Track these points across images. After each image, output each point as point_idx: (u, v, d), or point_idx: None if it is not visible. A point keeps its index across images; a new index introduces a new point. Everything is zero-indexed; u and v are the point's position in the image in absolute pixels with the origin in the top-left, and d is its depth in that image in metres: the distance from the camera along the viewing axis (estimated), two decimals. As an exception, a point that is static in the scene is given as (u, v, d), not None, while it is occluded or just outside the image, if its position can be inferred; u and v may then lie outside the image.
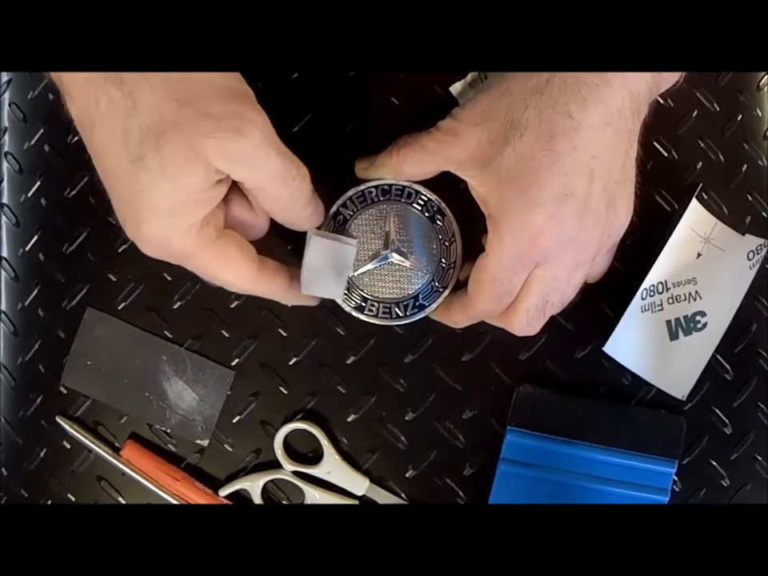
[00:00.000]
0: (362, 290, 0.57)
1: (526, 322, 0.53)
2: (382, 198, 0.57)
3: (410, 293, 0.57)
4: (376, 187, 0.57)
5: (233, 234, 0.50)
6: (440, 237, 0.57)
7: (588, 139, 0.48)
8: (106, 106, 0.45)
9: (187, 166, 0.45)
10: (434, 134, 0.52)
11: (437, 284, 0.57)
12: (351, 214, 0.57)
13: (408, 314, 0.57)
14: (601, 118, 0.48)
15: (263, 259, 0.52)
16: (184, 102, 0.45)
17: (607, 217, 0.50)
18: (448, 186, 0.55)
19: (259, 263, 0.51)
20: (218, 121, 0.45)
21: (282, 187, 0.48)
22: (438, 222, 0.57)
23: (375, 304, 0.57)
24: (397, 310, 0.57)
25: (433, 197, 0.57)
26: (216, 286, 0.51)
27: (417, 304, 0.57)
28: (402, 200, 0.57)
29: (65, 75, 0.46)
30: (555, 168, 0.48)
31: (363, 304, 0.57)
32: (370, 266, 0.57)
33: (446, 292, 0.57)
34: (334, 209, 0.57)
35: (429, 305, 0.57)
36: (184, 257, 0.49)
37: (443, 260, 0.57)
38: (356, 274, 0.56)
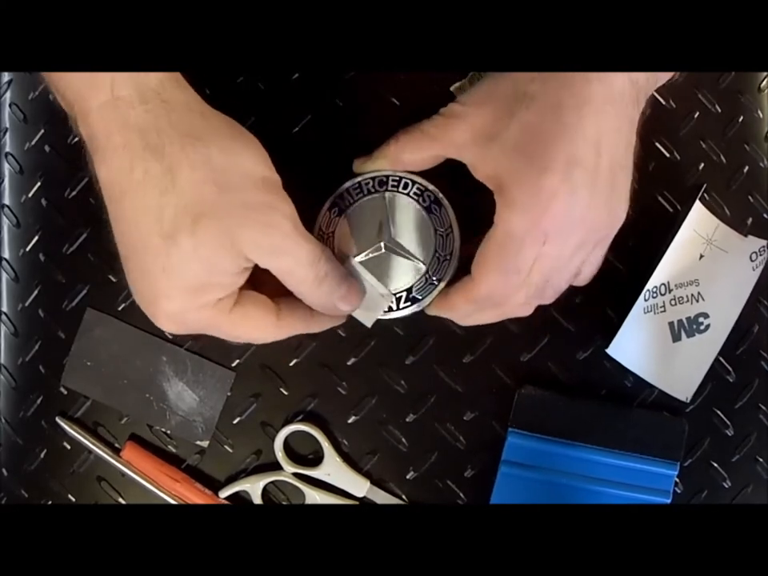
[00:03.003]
0: None
1: (523, 300, 0.52)
2: (378, 189, 0.56)
3: (403, 286, 0.55)
4: (373, 179, 0.56)
5: (248, 295, 0.50)
6: (436, 228, 0.55)
7: (593, 114, 0.47)
8: (141, 176, 0.45)
9: (221, 251, 0.46)
10: (435, 119, 0.52)
11: (432, 276, 0.55)
12: (347, 205, 0.56)
13: (401, 307, 0.55)
14: (604, 97, 0.47)
15: (279, 303, 0.51)
16: (223, 188, 0.46)
17: (611, 200, 0.49)
18: (447, 177, 0.54)
19: (277, 312, 0.51)
20: (252, 211, 0.46)
21: (309, 270, 0.49)
22: (435, 212, 0.55)
23: None
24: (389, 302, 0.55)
25: (430, 187, 0.55)
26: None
27: (410, 297, 0.55)
28: (399, 190, 0.56)
29: (99, 133, 0.45)
30: (563, 136, 0.47)
31: None
32: (361, 257, 0.55)
33: (442, 285, 0.55)
34: (329, 202, 0.56)
35: (422, 298, 0.55)
36: (201, 328, 0.49)
37: (439, 251, 0.55)
38: (352, 262, 0.54)
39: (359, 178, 0.56)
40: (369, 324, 0.54)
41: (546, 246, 0.49)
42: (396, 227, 0.56)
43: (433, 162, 0.54)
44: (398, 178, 0.55)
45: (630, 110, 0.49)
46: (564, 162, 0.47)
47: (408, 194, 0.56)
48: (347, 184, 0.56)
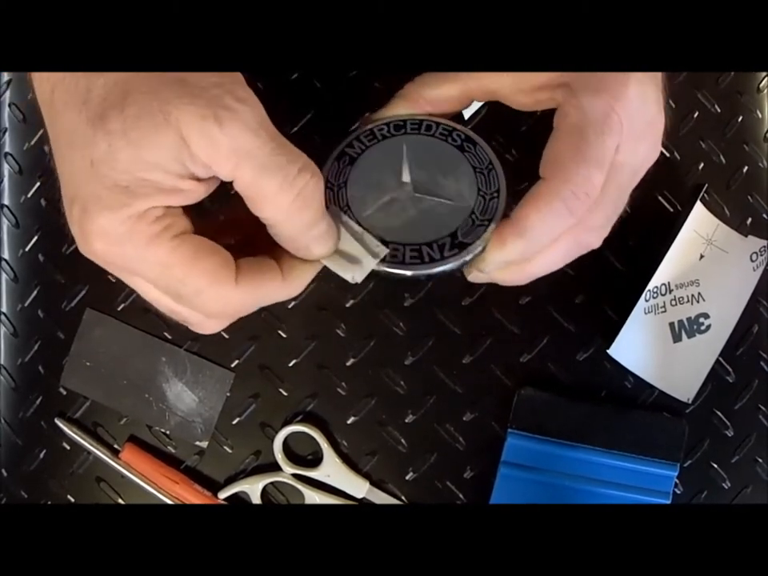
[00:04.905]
0: (380, 234, 0.44)
1: (601, 221, 0.44)
2: (395, 133, 0.47)
3: (445, 231, 0.44)
4: (387, 124, 0.47)
5: (200, 239, 0.40)
6: (473, 166, 0.46)
7: None
8: None
9: (154, 133, 0.37)
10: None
11: (479, 217, 0.44)
12: (358, 152, 0.47)
13: (446, 255, 0.43)
14: None
15: (240, 263, 0.42)
16: None
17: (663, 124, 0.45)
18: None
19: (236, 270, 0.41)
20: (196, 87, 0.37)
21: (284, 185, 0.39)
22: (469, 149, 0.46)
23: (399, 247, 0.44)
24: (430, 251, 0.44)
25: (458, 126, 0.47)
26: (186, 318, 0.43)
27: (456, 243, 0.44)
28: (420, 133, 0.47)
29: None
30: None
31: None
32: (383, 203, 0.45)
33: (493, 225, 0.44)
34: (337, 151, 0.47)
35: (472, 242, 0.43)
36: (136, 256, 0.39)
37: (483, 189, 0.45)
38: (368, 213, 0.45)
39: (371, 125, 0.48)
40: (359, 278, 0.43)
41: (618, 155, 0.43)
42: (424, 167, 0.46)
43: (460, 103, 0.47)
44: (417, 122, 0.47)
45: None
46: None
47: (433, 135, 0.47)
48: (356, 132, 0.48)
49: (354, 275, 0.43)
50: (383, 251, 0.43)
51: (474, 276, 0.46)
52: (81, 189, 0.39)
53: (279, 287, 0.43)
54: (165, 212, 0.39)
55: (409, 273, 0.44)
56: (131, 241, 0.39)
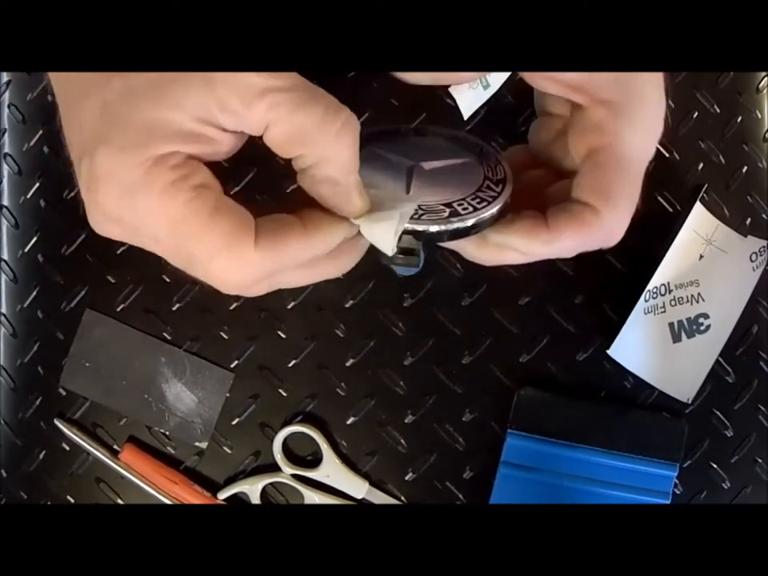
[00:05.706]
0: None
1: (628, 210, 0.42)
2: (366, 144, 0.43)
3: (474, 186, 0.43)
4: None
5: (221, 194, 0.36)
6: (466, 148, 0.46)
7: None
8: None
9: (175, 76, 0.35)
10: None
11: (495, 175, 0.44)
12: None
13: (487, 198, 0.43)
14: None
15: (258, 223, 0.37)
16: None
17: None
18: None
19: (256, 231, 0.36)
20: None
21: (324, 115, 0.35)
22: (452, 139, 0.47)
23: (443, 207, 0.42)
24: (471, 202, 0.43)
25: (433, 127, 0.47)
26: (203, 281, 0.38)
27: (491, 189, 0.44)
28: (389, 138, 0.46)
29: None
30: None
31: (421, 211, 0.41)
32: (400, 181, 0.43)
33: (508, 170, 0.44)
34: None
35: (501, 190, 0.43)
36: (145, 209, 0.35)
37: (484, 161, 0.45)
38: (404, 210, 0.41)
39: None
40: (390, 246, 0.40)
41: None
42: (418, 153, 0.45)
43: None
44: (376, 132, 0.46)
45: None
46: None
47: (406, 136, 0.47)
48: None
49: (391, 234, 0.40)
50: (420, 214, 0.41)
51: (459, 244, 0.43)
52: (91, 137, 0.35)
53: (304, 245, 0.38)
54: (185, 161, 0.35)
55: (463, 224, 0.41)
56: (143, 190, 0.35)
